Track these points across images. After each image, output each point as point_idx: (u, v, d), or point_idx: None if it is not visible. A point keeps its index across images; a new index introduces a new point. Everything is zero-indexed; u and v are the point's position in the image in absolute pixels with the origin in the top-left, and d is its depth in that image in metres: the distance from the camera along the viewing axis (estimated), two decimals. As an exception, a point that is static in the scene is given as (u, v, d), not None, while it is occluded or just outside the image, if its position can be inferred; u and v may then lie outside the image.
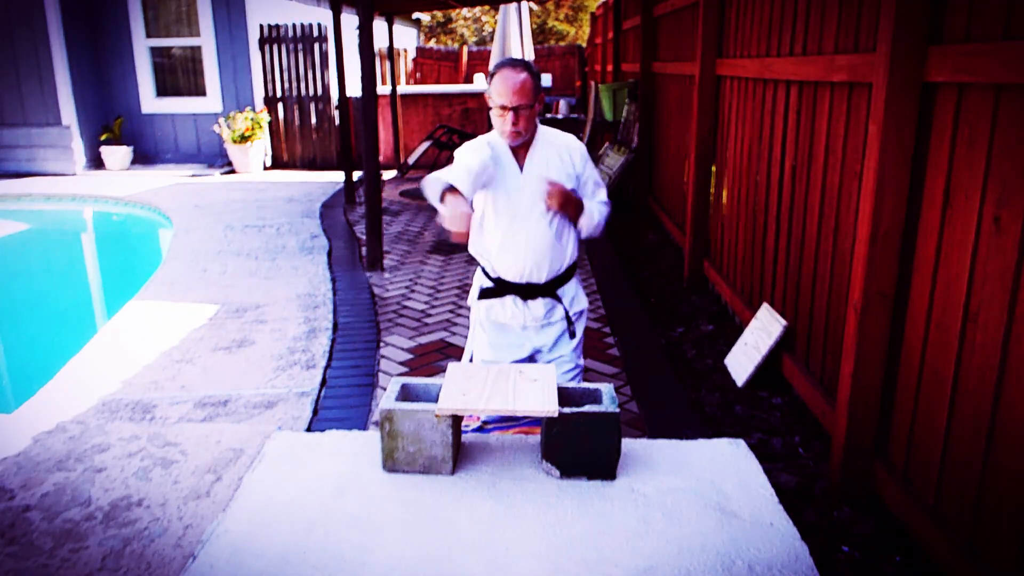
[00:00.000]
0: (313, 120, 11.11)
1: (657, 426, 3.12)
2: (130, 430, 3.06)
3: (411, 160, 9.41)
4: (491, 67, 2.39)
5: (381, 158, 9.12)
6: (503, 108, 2.35)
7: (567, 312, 2.61)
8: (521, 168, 2.49)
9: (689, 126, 5.39)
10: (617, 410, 1.84)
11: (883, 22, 2.30)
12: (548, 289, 2.57)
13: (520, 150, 2.50)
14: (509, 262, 2.53)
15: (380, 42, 12.96)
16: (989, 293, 1.95)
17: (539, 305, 2.57)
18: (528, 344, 2.62)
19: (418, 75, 19.25)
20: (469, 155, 2.42)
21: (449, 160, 10.58)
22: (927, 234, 2.25)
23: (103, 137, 10.65)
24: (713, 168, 4.96)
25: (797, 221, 3.38)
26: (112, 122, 10.85)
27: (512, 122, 2.37)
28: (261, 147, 10.75)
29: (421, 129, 11.39)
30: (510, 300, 2.57)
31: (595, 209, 2.59)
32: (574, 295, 2.65)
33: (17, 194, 9.05)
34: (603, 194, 2.67)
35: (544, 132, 2.56)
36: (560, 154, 2.52)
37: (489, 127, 2.53)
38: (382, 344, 4.11)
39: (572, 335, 2.64)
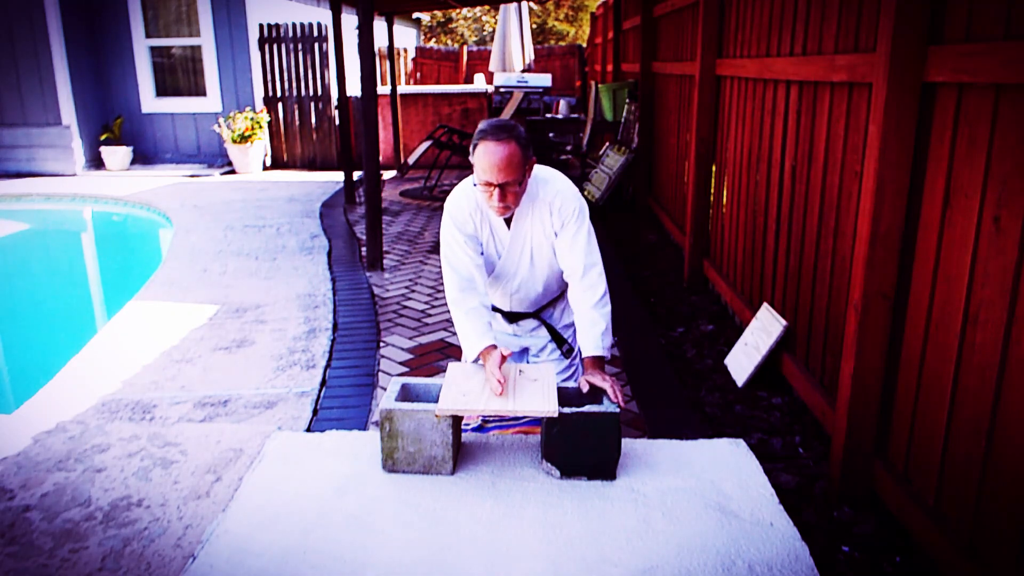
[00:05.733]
0: (313, 120, 11.10)
1: (657, 426, 3.12)
2: (130, 430, 3.06)
3: (411, 160, 9.40)
4: (475, 134, 2.11)
5: (381, 158, 9.12)
6: (488, 184, 2.09)
7: (553, 328, 2.52)
8: (508, 225, 2.27)
9: (689, 126, 5.39)
10: (617, 410, 1.85)
11: (883, 22, 2.30)
12: (534, 313, 2.51)
13: None
14: (496, 297, 2.47)
15: (380, 42, 12.97)
16: (989, 293, 1.95)
17: (527, 321, 2.52)
18: (517, 342, 2.57)
19: (418, 75, 19.25)
20: (457, 230, 2.24)
21: (449, 160, 10.38)
22: (927, 234, 2.25)
23: (103, 137, 10.64)
24: (713, 168, 4.96)
25: (797, 221, 3.38)
26: (112, 122, 10.85)
27: (499, 199, 2.09)
28: (261, 147, 10.75)
29: (421, 129, 11.39)
30: (498, 314, 2.53)
31: (599, 326, 2.19)
32: (564, 308, 2.54)
33: (17, 194, 9.04)
34: (589, 259, 2.22)
35: (536, 179, 2.23)
36: (547, 212, 2.24)
37: None
38: (382, 344, 4.11)
39: (567, 354, 2.51)
